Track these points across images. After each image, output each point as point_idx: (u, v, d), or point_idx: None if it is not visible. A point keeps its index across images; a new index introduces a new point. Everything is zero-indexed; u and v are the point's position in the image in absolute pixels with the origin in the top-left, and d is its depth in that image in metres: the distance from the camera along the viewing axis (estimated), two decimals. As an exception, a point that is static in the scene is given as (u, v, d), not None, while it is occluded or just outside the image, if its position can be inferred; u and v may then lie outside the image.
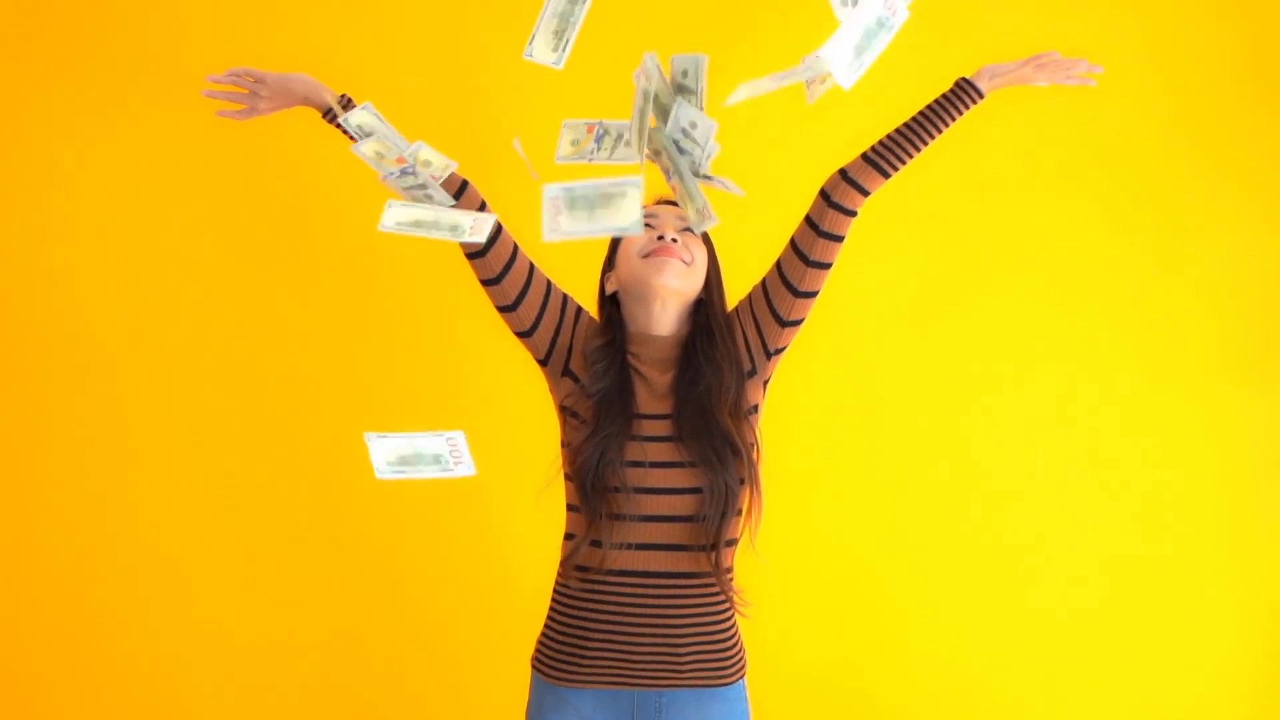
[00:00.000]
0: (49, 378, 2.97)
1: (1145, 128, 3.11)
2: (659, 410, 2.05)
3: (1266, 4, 3.10)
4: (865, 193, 2.10)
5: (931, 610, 3.07)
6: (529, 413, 2.58)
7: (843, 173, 2.11)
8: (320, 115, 2.06)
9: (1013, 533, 3.08)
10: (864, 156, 2.11)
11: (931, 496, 3.06)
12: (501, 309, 2.09)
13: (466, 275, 2.32)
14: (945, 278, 3.07)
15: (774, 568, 2.22)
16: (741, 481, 2.02)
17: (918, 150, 2.12)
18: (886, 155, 2.10)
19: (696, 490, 2.00)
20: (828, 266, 2.12)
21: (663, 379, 2.08)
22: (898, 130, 2.12)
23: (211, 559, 2.99)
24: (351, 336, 3.00)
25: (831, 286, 3.04)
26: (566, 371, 2.09)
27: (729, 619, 2.06)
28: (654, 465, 2.00)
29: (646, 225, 2.11)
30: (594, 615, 2.02)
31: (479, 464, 2.95)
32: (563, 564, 2.06)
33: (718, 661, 2.04)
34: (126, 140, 2.97)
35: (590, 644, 2.02)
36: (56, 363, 2.97)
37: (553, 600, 2.10)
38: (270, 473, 2.99)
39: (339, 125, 2.03)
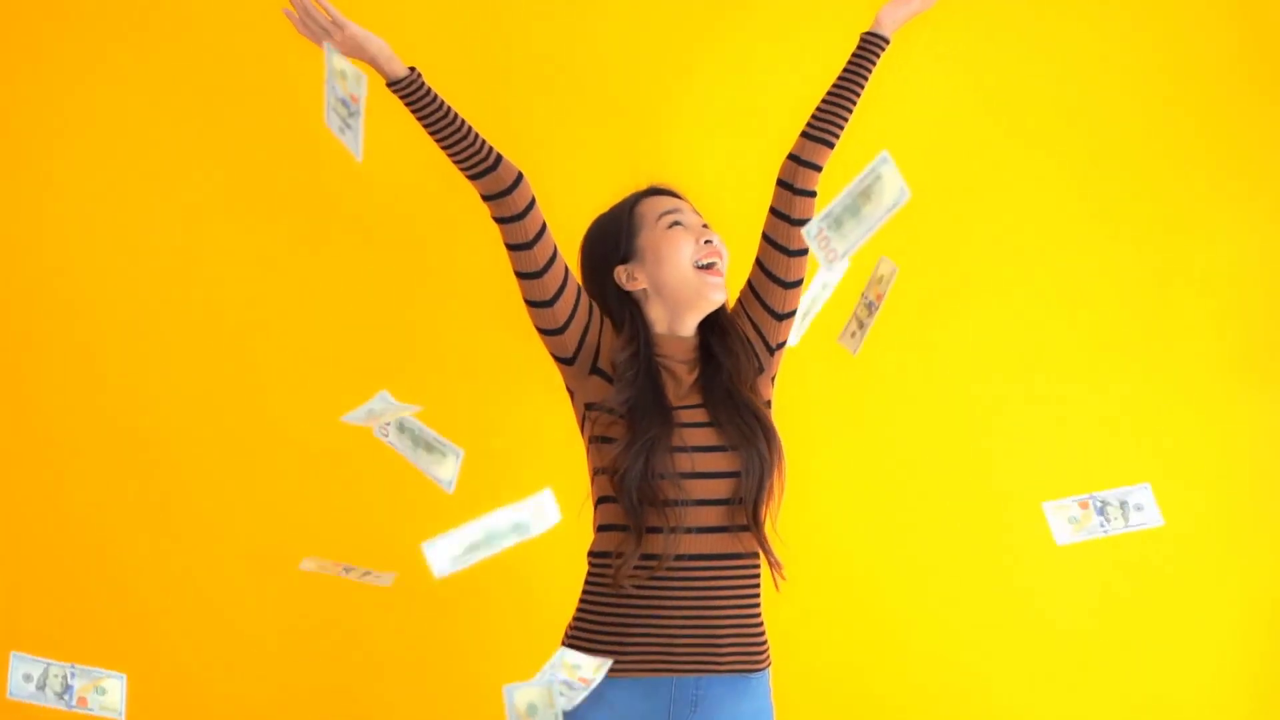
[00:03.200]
0: (52, 376, 2.97)
1: (1145, 124, 3.11)
2: (691, 401, 2.10)
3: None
4: (818, 169, 2.17)
5: (929, 610, 3.07)
6: (542, 410, 2.59)
7: (793, 157, 2.18)
8: (385, 84, 2.03)
9: (1012, 532, 3.08)
10: (805, 136, 2.18)
11: (930, 496, 3.07)
12: (537, 303, 2.09)
13: (480, 271, 2.32)
14: (943, 277, 3.08)
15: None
16: (773, 457, 2.09)
17: (849, 113, 2.20)
18: (824, 127, 2.17)
19: (736, 473, 2.06)
20: (807, 252, 2.16)
21: (689, 376, 2.13)
22: (825, 101, 2.20)
23: (223, 560, 2.98)
24: (361, 332, 2.99)
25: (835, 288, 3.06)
26: (595, 370, 2.10)
27: (759, 605, 2.11)
28: (697, 450, 2.05)
29: (676, 224, 2.13)
30: (637, 603, 2.03)
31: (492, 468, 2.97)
32: (618, 556, 2.03)
33: (752, 646, 2.08)
34: (129, 135, 2.97)
35: (633, 631, 2.03)
36: (59, 361, 2.97)
37: (587, 591, 2.10)
38: (277, 473, 2.99)
39: (401, 95, 2.02)
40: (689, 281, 2.11)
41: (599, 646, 2.04)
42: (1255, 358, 3.09)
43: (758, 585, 2.11)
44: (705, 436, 2.06)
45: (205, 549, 2.97)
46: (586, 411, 2.11)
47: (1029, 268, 3.10)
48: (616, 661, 2.02)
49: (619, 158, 2.88)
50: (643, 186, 2.25)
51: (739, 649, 2.07)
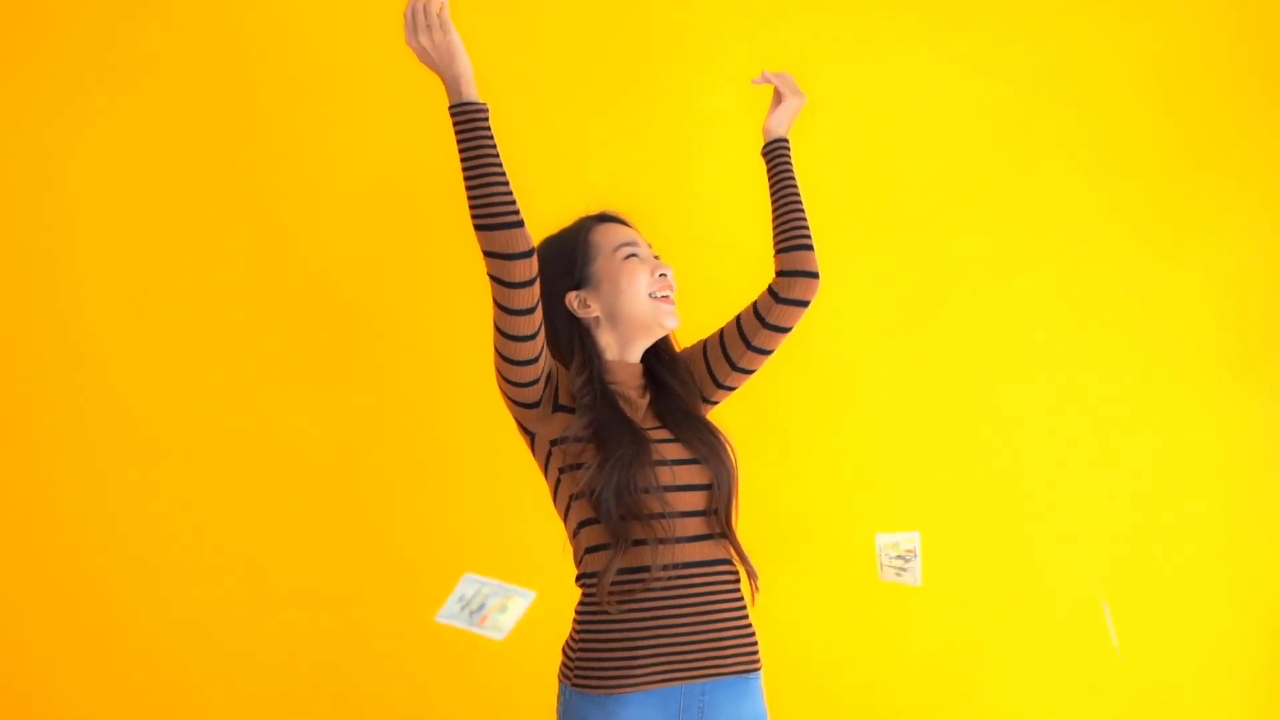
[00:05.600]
0: (53, 376, 2.97)
1: (1148, 121, 3.12)
2: (651, 423, 2.14)
3: (1269, -1, 3.12)
4: (814, 275, 2.22)
5: (927, 608, 3.07)
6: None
7: (771, 291, 2.22)
8: (449, 105, 1.97)
9: (1012, 529, 3.08)
10: (781, 274, 2.22)
11: (930, 495, 3.07)
12: (516, 361, 2.05)
13: (466, 284, 2.34)
14: (946, 274, 3.08)
15: (773, 568, 2.26)
16: (733, 469, 2.15)
17: (801, 214, 2.25)
18: (792, 237, 2.23)
19: (709, 485, 2.10)
20: (769, 353, 2.24)
21: (642, 401, 2.16)
22: (776, 224, 2.26)
23: (221, 561, 2.98)
24: (362, 334, 2.99)
25: (838, 284, 3.06)
26: (558, 408, 2.10)
27: (747, 607, 2.14)
28: (676, 463, 2.09)
29: (633, 255, 2.16)
30: (643, 616, 2.05)
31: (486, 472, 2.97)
32: (602, 575, 2.04)
33: (749, 647, 2.11)
34: (128, 135, 2.97)
35: (643, 644, 2.04)
36: (60, 362, 2.97)
37: (586, 612, 2.09)
38: (275, 474, 2.99)
39: (463, 120, 1.97)
40: (645, 310, 2.16)
41: (609, 664, 2.06)
42: (1255, 357, 3.10)
43: (739, 588, 2.15)
44: (677, 450, 2.11)
45: (202, 551, 2.97)
46: (552, 447, 2.11)
47: (1029, 266, 3.10)
48: (627, 677, 2.04)
49: (573, 178, 2.88)
50: (593, 211, 2.26)
51: (738, 649, 2.10)
